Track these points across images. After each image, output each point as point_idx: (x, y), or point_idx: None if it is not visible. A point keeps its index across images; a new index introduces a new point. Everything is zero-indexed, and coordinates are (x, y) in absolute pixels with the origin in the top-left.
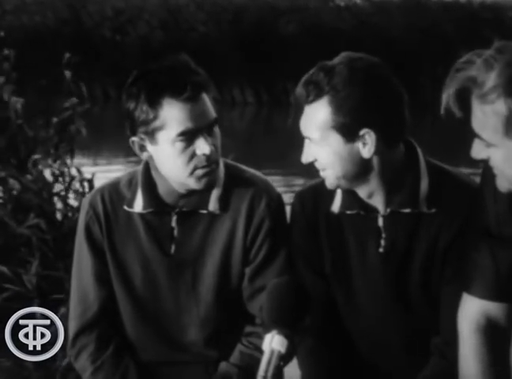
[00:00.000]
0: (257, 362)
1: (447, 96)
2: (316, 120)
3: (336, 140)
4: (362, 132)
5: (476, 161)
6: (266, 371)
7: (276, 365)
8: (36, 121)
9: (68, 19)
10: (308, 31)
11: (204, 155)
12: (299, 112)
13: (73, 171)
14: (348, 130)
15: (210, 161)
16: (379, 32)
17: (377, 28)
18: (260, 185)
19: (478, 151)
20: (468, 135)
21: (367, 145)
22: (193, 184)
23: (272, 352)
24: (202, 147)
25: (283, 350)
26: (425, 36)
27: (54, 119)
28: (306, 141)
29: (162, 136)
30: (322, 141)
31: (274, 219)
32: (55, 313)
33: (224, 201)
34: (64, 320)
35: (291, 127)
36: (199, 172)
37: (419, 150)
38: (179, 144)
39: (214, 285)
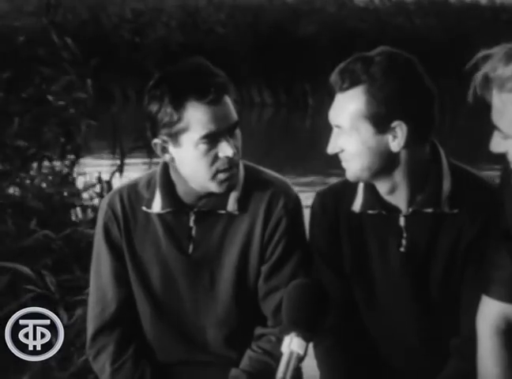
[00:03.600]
0: (267, 366)
1: (475, 84)
2: (348, 108)
3: (366, 130)
4: (394, 124)
5: (489, 162)
6: (285, 373)
7: (295, 367)
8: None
9: (87, 21)
10: (327, 32)
11: (226, 157)
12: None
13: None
14: (380, 121)
15: (232, 163)
16: (399, 33)
17: (397, 28)
18: (278, 185)
19: (496, 143)
20: (485, 136)
21: (396, 138)
22: (214, 187)
23: (291, 354)
24: (225, 149)
25: (302, 352)
26: (446, 37)
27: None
28: (334, 130)
29: (185, 138)
30: (352, 130)
31: (291, 219)
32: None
33: (242, 202)
34: (81, 321)
35: (309, 128)
36: (221, 176)
37: (442, 151)
38: (202, 147)
39: (232, 284)
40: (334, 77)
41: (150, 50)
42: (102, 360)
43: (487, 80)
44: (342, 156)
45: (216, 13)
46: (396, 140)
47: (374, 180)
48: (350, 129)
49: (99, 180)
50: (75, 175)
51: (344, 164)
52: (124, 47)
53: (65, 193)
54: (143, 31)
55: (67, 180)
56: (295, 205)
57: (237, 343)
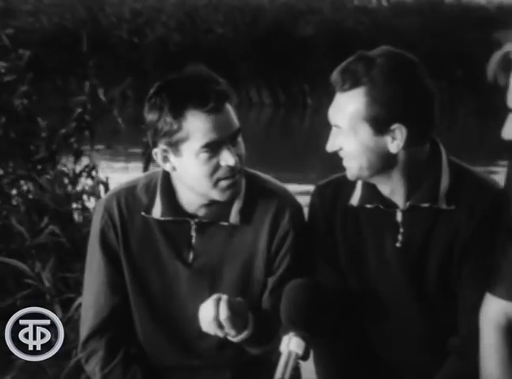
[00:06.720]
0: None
1: (492, 66)
2: (348, 109)
3: (365, 131)
4: (393, 126)
5: (492, 160)
6: (283, 373)
7: (294, 366)
8: (50, 117)
9: (86, 20)
10: (325, 32)
11: (228, 166)
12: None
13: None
14: (379, 123)
15: (234, 171)
16: (397, 34)
17: (394, 30)
18: (283, 196)
19: (510, 130)
20: (486, 136)
21: (395, 140)
22: (216, 195)
23: (289, 354)
24: (227, 158)
25: (300, 352)
26: (442, 39)
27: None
28: (334, 129)
29: (186, 147)
30: (351, 131)
31: (298, 231)
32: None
33: (245, 213)
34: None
35: (308, 128)
36: (223, 184)
37: (442, 148)
38: (203, 156)
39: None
40: (335, 77)
41: (149, 50)
42: (92, 364)
43: (506, 61)
44: (341, 155)
45: (214, 13)
46: (395, 142)
47: (373, 179)
48: (348, 129)
49: (95, 180)
50: (80, 175)
51: (344, 163)
52: (122, 47)
53: (70, 192)
54: (141, 31)
55: (74, 180)
56: (300, 216)
57: (231, 349)
